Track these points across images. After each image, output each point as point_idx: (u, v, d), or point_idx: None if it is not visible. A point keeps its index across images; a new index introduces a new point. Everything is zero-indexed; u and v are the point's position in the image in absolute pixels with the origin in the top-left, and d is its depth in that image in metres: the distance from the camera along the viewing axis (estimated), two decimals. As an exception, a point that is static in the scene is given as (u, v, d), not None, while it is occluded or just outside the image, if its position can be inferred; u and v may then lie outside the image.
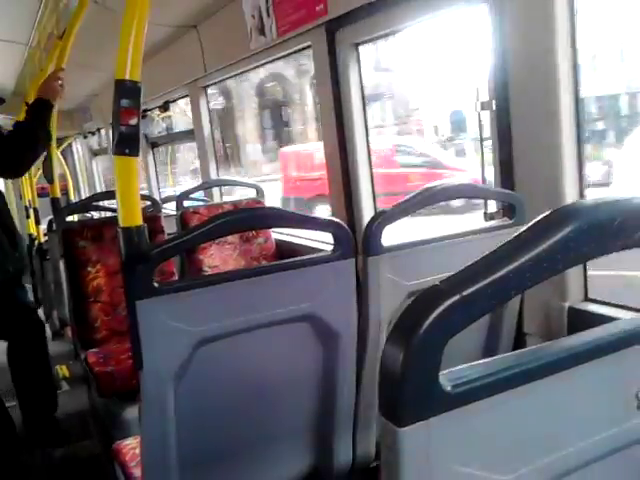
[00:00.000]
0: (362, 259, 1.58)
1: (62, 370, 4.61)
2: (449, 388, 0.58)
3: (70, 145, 8.80)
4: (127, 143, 1.34)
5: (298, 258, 1.54)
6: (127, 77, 1.34)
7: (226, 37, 3.29)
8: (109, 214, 3.99)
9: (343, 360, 1.60)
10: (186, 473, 1.53)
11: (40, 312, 5.91)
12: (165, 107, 4.65)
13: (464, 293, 0.56)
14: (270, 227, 1.79)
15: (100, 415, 3.09)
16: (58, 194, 3.32)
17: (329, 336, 1.57)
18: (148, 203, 3.88)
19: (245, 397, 1.57)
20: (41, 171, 4.17)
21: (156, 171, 5.34)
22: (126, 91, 1.33)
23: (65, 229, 3.18)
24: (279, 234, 3.52)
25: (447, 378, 0.58)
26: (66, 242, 3.16)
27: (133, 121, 1.33)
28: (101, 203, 3.95)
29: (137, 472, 1.82)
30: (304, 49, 2.83)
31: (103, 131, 6.76)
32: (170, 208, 4.26)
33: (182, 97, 4.54)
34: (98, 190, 7.93)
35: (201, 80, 3.81)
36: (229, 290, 1.43)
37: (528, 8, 1.66)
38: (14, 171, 2.87)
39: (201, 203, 3.82)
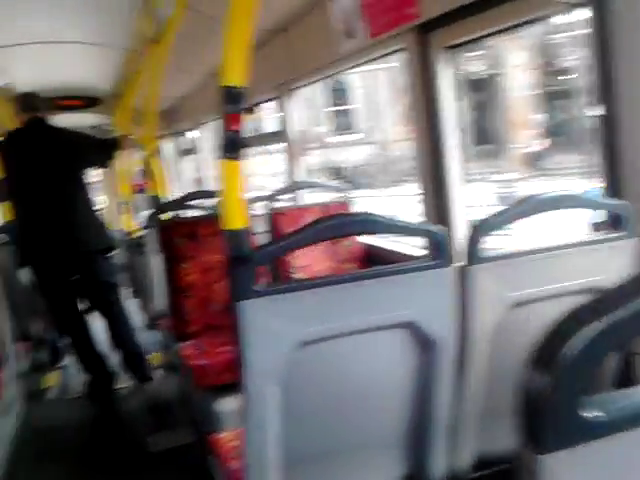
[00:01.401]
0: (461, 267, 1.57)
1: (154, 358, 4.83)
2: (594, 416, 0.57)
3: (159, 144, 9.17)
4: (232, 147, 1.40)
5: (396, 265, 1.55)
6: (232, 83, 1.39)
7: (315, 40, 3.35)
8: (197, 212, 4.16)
9: (440, 369, 1.60)
10: (283, 471, 1.59)
11: (136, 302, 6.26)
12: (250, 110, 4.77)
13: (611, 320, 0.55)
14: (371, 233, 1.81)
15: (192, 406, 3.23)
16: (157, 192, 3.48)
17: (427, 344, 1.58)
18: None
19: (341, 401, 1.61)
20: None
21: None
22: (231, 97, 1.39)
23: (162, 225, 3.35)
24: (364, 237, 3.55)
25: (591, 406, 0.58)
26: (163, 238, 3.32)
27: (237, 126, 1.39)
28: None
29: (234, 465, 1.90)
30: (394, 52, 2.84)
31: (192, 131, 7.00)
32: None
33: (269, 100, 4.64)
34: (185, 188, 8.22)
35: (290, 82, 3.88)
36: (328, 294, 1.47)
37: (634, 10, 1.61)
38: (103, 160, 3.86)
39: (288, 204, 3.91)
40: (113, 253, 3.91)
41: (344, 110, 20.88)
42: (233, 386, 2.78)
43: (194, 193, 3.99)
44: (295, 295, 1.42)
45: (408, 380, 1.65)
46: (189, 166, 8.35)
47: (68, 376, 4.86)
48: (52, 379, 4.61)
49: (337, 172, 19.24)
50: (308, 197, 4.12)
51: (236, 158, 1.41)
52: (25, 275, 4.13)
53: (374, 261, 3.51)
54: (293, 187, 3.98)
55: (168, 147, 9.38)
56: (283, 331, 1.41)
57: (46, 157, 3.48)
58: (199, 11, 3.25)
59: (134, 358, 3.90)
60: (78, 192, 3.59)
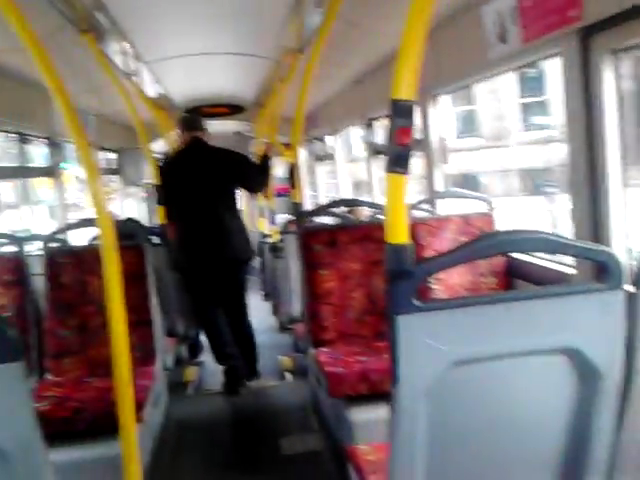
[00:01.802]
0: (631, 293, 1.44)
1: (285, 362, 4.95)
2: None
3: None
4: (399, 162, 1.38)
5: (559, 286, 1.46)
6: (403, 97, 1.37)
7: (462, 44, 3.25)
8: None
9: (602, 403, 1.48)
10: None
11: (268, 305, 6.47)
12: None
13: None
14: (534, 251, 1.73)
15: (325, 413, 3.25)
16: (300, 199, 3.55)
17: (589, 374, 1.47)
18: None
19: (490, 424, 1.54)
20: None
21: (378, 180, 5.47)
22: (402, 111, 1.37)
23: (303, 232, 3.41)
24: None
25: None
26: (304, 244, 3.38)
27: (407, 140, 1.36)
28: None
29: (373, 479, 1.87)
30: (547, 57, 2.69)
31: (328, 138, 7.12)
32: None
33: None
34: (320, 194, 8.37)
35: (433, 88, 3.81)
36: (485, 313, 1.41)
37: None
38: (257, 189, 4.32)
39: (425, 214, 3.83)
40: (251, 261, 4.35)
41: (536, 102, 16.83)
42: (367, 397, 2.77)
43: (336, 201, 4.05)
44: (453, 312, 1.38)
45: (564, 411, 1.53)
46: (323, 172, 8.51)
47: (205, 372, 5.11)
48: (191, 374, 4.86)
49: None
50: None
51: (403, 173, 1.39)
52: (174, 275, 4.39)
53: (516, 275, 3.35)
54: (434, 196, 3.90)
55: (302, 153, 9.63)
56: (439, 348, 1.37)
57: (204, 175, 3.94)
58: (347, 21, 3.28)
59: (250, 355, 4.29)
60: (230, 208, 4.04)
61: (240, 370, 4.21)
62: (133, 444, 2.06)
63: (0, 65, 3.66)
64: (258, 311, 7.24)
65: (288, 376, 4.63)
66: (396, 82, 1.38)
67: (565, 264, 2.86)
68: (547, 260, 3.05)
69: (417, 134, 4.11)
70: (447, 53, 3.40)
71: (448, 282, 3.36)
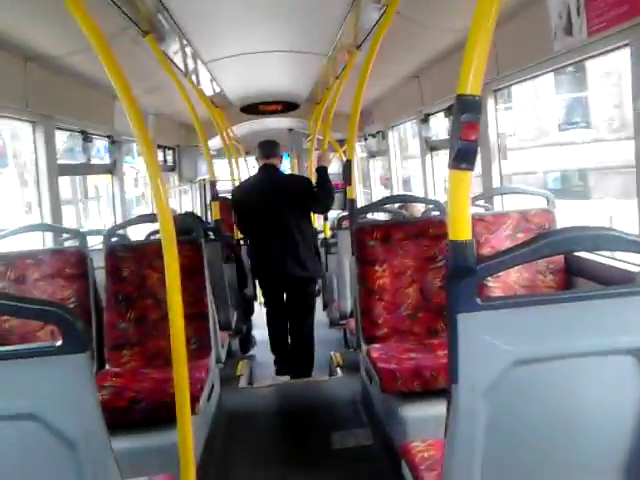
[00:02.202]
0: None
1: (336, 357, 4.96)
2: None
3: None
4: (464, 158, 1.35)
5: (625, 286, 1.40)
6: (469, 92, 1.34)
7: (525, 38, 3.17)
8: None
9: None
10: None
11: (319, 300, 6.51)
12: (449, 112, 4.67)
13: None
14: (603, 249, 1.66)
15: (376, 409, 3.24)
16: (354, 195, 3.55)
17: None
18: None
19: (552, 426, 1.50)
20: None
21: (433, 176, 5.41)
22: (467, 106, 1.34)
23: (358, 228, 3.40)
24: None
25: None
26: (358, 240, 3.37)
27: (473, 136, 1.33)
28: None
29: (428, 476, 1.86)
30: (614, 49, 2.59)
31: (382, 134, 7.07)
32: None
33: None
34: (372, 190, 8.35)
35: (494, 82, 3.73)
36: (548, 312, 1.37)
37: None
38: (325, 210, 4.77)
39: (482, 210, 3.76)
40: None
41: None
42: (420, 394, 2.74)
43: (390, 197, 4.03)
44: (516, 311, 1.35)
45: (630, 413, 1.48)
46: (377, 168, 8.48)
47: (256, 365, 5.18)
48: (243, 367, 4.94)
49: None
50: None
51: (468, 169, 1.36)
52: (228, 272, 4.47)
53: (576, 273, 3.25)
54: (490, 193, 3.83)
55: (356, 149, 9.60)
56: (500, 347, 1.34)
57: (279, 197, 4.41)
58: (405, 16, 3.24)
59: (307, 355, 4.71)
60: (302, 230, 4.47)
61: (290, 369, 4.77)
62: (189, 435, 2.10)
63: (66, 66, 3.79)
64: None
65: (339, 371, 4.64)
66: (462, 77, 1.35)
67: (629, 262, 2.77)
68: (608, 258, 2.96)
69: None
70: (509, 47, 3.32)
71: (505, 280, 3.30)
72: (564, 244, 1.37)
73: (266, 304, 4.80)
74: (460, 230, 1.38)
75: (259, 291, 7.01)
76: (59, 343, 1.29)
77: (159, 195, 2.03)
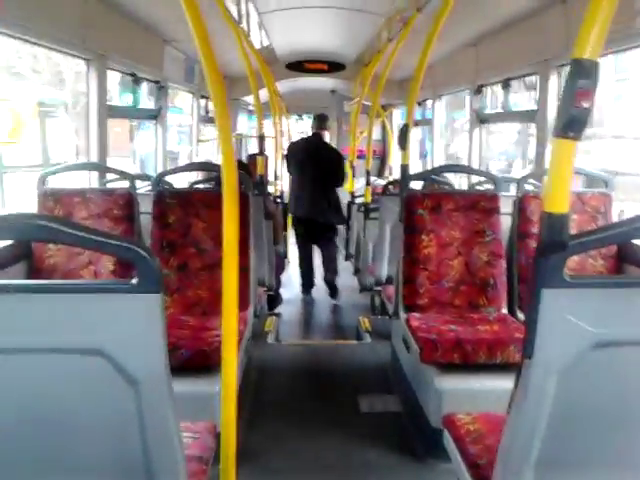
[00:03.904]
0: None
1: (364, 323, 4.97)
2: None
3: (391, 113, 9.27)
4: (573, 126, 1.28)
5: None
6: (587, 55, 1.27)
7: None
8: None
9: None
10: (541, 471, 1.50)
11: (349, 264, 6.54)
12: (506, 85, 4.55)
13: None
14: None
15: (408, 377, 3.23)
16: (408, 161, 3.49)
17: None
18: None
19: (620, 412, 1.47)
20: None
21: (481, 148, 5.30)
22: (584, 71, 1.26)
23: (408, 195, 3.35)
24: None
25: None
26: (407, 208, 3.33)
27: (587, 103, 1.26)
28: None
29: (472, 449, 1.84)
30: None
31: (429, 102, 6.93)
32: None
33: (527, 75, 4.37)
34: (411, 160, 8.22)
35: (556, 59, 3.60)
36: (635, 296, 1.33)
37: None
38: (339, 185, 5.92)
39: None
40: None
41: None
42: (458, 366, 2.72)
43: (445, 166, 3.95)
44: (604, 292, 1.30)
45: None
46: (416, 137, 8.34)
47: (283, 323, 5.21)
48: (271, 324, 4.97)
49: None
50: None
51: (575, 138, 1.30)
52: (267, 228, 4.46)
53: (628, 261, 3.18)
54: (543, 172, 3.74)
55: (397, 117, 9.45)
56: (581, 327, 1.31)
57: (317, 161, 5.75)
58: None
59: (332, 279, 6.09)
60: (329, 186, 5.81)
61: (311, 286, 6.30)
62: (233, 384, 2.11)
63: (123, 5, 3.74)
64: (338, 270, 7.30)
65: (366, 336, 4.65)
66: (580, 39, 1.27)
67: None
68: None
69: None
70: (580, 20, 3.19)
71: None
72: None
73: (297, 237, 6.19)
74: (558, 202, 1.33)
75: (288, 249, 7.18)
76: (134, 281, 1.28)
77: (227, 147, 2.00)
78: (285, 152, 6.32)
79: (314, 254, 6.25)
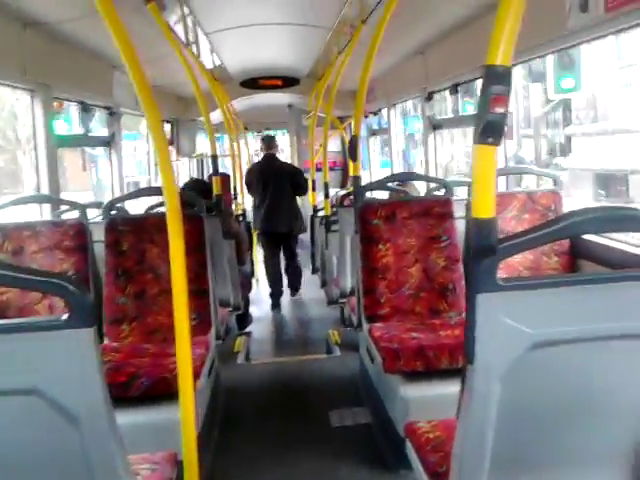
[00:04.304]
0: None
1: (334, 335, 4.95)
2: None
3: (350, 124, 9.32)
4: (491, 131, 1.30)
5: None
6: (499, 62, 1.29)
7: (537, 14, 3.09)
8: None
9: None
10: (491, 474, 1.50)
11: (316, 277, 6.56)
12: (455, 90, 4.61)
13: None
14: (627, 231, 1.63)
15: (376, 388, 3.22)
16: (359, 173, 3.51)
17: None
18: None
19: (566, 410, 1.48)
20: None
21: (435, 154, 5.35)
22: (497, 77, 1.28)
23: (362, 206, 3.36)
24: None
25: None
26: (362, 218, 3.33)
27: (501, 109, 1.28)
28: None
29: (432, 458, 1.83)
30: (633, 27, 2.53)
31: (384, 111, 7.00)
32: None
33: (473, 79, 4.44)
34: (372, 169, 8.28)
35: None
36: (570, 294, 1.34)
37: None
38: (301, 194, 6.70)
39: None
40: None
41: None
42: (422, 374, 2.73)
43: (395, 175, 3.98)
44: (537, 293, 1.31)
45: None
46: (375, 146, 8.41)
47: (253, 342, 5.16)
48: (240, 344, 4.92)
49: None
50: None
51: (495, 144, 1.31)
52: (227, 247, 4.42)
53: (582, 256, 3.22)
54: (497, 173, 3.79)
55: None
56: (519, 329, 1.31)
57: (275, 177, 6.46)
58: None
59: (296, 278, 6.92)
60: (289, 199, 6.54)
61: (280, 294, 6.74)
62: (191, 410, 2.07)
63: (66, 33, 3.69)
64: (306, 284, 7.29)
65: (336, 350, 4.63)
66: (492, 46, 1.29)
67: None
68: (615, 241, 2.93)
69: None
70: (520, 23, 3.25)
71: (508, 261, 3.27)
72: (589, 225, 1.32)
73: (264, 249, 6.83)
74: (484, 208, 1.34)
75: (256, 267, 7.21)
76: (65, 317, 1.25)
77: (166, 168, 1.98)
78: (245, 177, 7.03)
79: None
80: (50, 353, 1.26)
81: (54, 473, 1.36)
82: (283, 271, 6.86)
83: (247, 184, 6.78)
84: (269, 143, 6.65)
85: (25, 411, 1.29)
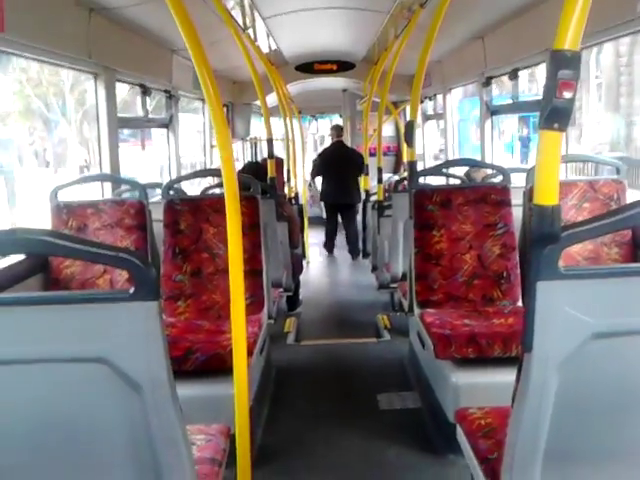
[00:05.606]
0: None
1: (383, 320, 4.97)
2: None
3: (404, 109, 9.22)
4: (558, 117, 1.27)
5: None
6: (567, 47, 1.26)
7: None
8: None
9: None
10: (550, 464, 1.49)
11: (366, 261, 6.57)
12: (514, 75, 4.50)
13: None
14: None
15: (426, 373, 3.22)
16: (414, 157, 3.48)
17: None
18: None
19: (623, 402, 1.45)
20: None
21: (492, 140, 5.25)
22: (565, 62, 1.25)
23: (417, 191, 3.34)
24: None
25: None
26: (417, 204, 3.32)
27: (569, 94, 1.26)
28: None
29: (483, 444, 1.83)
30: None
31: (440, 97, 6.89)
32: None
33: (534, 64, 4.32)
34: (426, 154, 8.17)
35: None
36: (633, 285, 1.31)
37: None
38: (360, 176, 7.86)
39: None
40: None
41: None
42: (473, 360, 2.71)
43: (452, 161, 3.92)
44: (598, 282, 1.29)
45: None
46: (432, 132, 8.28)
47: (303, 323, 5.22)
48: (290, 324, 4.99)
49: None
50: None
51: (561, 129, 1.29)
52: (280, 229, 4.48)
53: None
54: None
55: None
56: (578, 318, 1.30)
57: (342, 160, 7.79)
58: None
59: (354, 242, 8.04)
60: (351, 177, 7.83)
61: (333, 247, 8.46)
62: (244, 385, 2.13)
63: (129, 18, 3.78)
64: (356, 268, 7.29)
65: (386, 334, 4.64)
66: (560, 30, 1.26)
67: None
68: None
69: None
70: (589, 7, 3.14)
71: (566, 250, 3.20)
72: None
73: (327, 214, 8.33)
74: (547, 194, 1.32)
75: (307, 250, 7.40)
76: (132, 290, 1.30)
77: (226, 151, 2.02)
78: (315, 159, 8.58)
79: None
80: (117, 324, 1.31)
81: (117, 439, 1.43)
82: (345, 241, 8.18)
83: (317, 163, 8.19)
84: (338, 131, 8.12)
85: (94, 378, 1.35)
